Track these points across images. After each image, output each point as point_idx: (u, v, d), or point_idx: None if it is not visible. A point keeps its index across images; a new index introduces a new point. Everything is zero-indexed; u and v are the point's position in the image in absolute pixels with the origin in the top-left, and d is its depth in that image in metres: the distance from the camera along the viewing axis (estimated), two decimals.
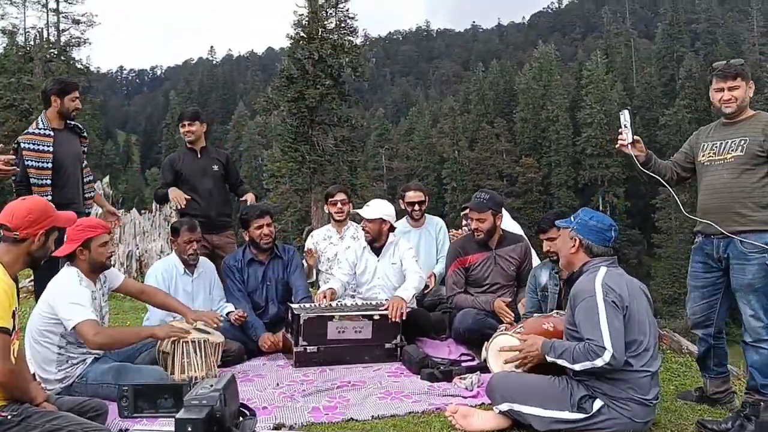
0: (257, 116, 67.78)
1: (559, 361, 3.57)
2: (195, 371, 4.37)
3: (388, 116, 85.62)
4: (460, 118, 69.54)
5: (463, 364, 4.95)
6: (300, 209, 39.75)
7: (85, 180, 5.78)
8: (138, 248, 11.35)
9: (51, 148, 5.41)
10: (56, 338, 4.22)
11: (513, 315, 5.16)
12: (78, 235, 4.32)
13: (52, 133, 5.45)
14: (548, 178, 64.34)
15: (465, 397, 4.33)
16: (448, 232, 6.42)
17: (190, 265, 5.44)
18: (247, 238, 5.72)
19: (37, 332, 4.24)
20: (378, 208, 5.60)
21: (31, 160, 5.34)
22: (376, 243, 5.68)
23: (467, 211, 5.79)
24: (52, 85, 5.59)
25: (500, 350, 3.93)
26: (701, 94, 66.79)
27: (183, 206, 6.00)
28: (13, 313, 3.33)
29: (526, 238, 5.79)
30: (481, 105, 74.84)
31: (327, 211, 6.50)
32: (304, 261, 6.29)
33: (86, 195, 5.81)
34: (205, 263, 5.61)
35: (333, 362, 5.03)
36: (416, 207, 6.47)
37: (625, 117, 4.38)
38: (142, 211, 12.12)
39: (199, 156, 6.31)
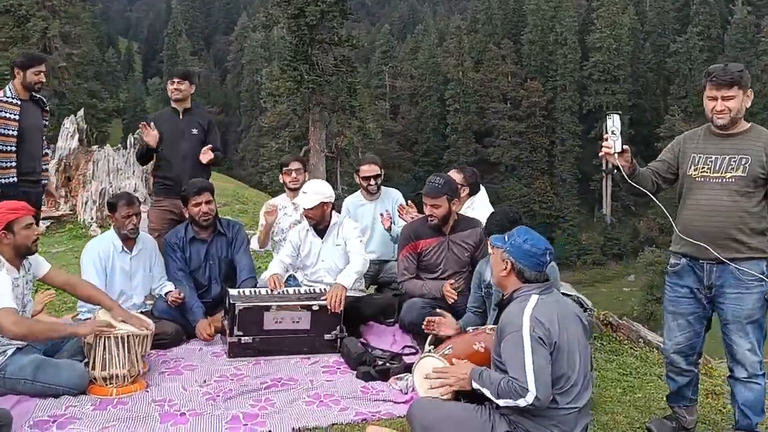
0: (257, 31, 66.41)
1: (484, 391, 3.39)
2: (116, 368, 4.21)
3: (393, 33, 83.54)
4: (467, 38, 67.81)
5: (405, 358, 4.80)
6: (299, 127, 39.32)
7: (43, 152, 5.94)
8: (111, 186, 11.10)
9: (17, 117, 5.52)
10: None
11: (457, 297, 4.96)
12: (0, 218, 4.12)
13: (19, 103, 5.56)
14: (552, 103, 63.29)
15: (397, 402, 4.20)
16: (402, 210, 6.04)
17: (129, 241, 5.23)
18: (187, 216, 5.48)
19: None
20: (315, 194, 5.29)
21: None
22: (320, 225, 5.44)
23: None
24: (17, 58, 5.73)
25: (426, 376, 3.73)
26: (715, 21, 65.15)
27: (154, 139, 5.85)
28: None
29: (483, 222, 5.53)
30: (488, 25, 72.91)
31: (281, 181, 6.23)
32: (262, 219, 6.08)
33: (44, 167, 5.98)
34: (145, 239, 5.40)
35: (269, 353, 4.87)
36: (371, 181, 6.21)
37: (613, 122, 3.80)
38: (116, 148, 11.82)
39: (180, 117, 6.07)
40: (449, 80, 65.12)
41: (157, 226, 5.83)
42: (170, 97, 6.08)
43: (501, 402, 3.30)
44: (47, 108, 5.92)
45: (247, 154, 63.14)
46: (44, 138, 5.96)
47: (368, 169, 6.19)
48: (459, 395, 3.61)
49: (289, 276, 5.62)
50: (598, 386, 4.72)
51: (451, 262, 5.28)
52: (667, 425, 4.11)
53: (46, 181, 6.05)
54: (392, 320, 5.51)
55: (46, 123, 5.96)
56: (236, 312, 4.78)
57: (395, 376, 4.53)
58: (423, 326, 4.39)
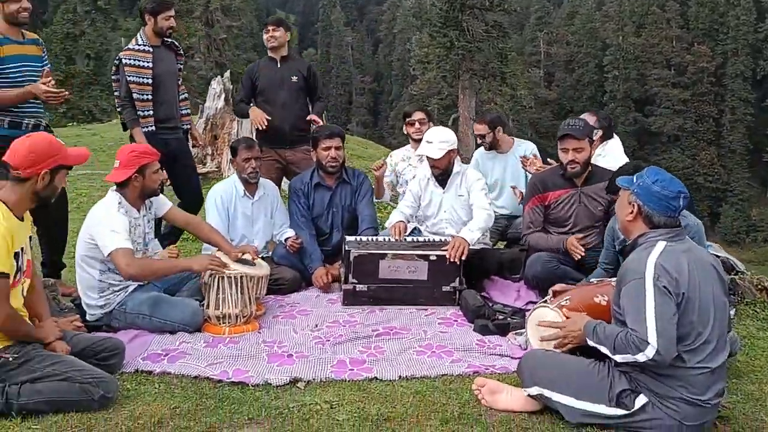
0: None
1: (600, 347, 3.07)
2: (229, 308, 4.22)
3: None
4: (628, 1, 64.35)
5: (527, 314, 4.50)
6: (448, 95, 39.01)
7: (180, 97, 5.86)
8: None
9: (150, 64, 5.48)
10: (98, 264, 4.22)
11: (584, 252, 4.61)
12: (133, 162, 4.25)
13: (151, 50, 5.51)
14: (722, 68, 58.82)
15: (514, 358, 3.92)
16: (525, 161, 5.64)
17: (250, 185, 5.25)
18: (314, 159, 5.42)
19: (81, 258, 4.27)
20: (441, 142, 5.04)
21: (133, 76, 5.43)
22: (442, 174, 5.20)
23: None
24: (147, 4, 5.64)
25: (539, 325, 3.45)
26: None
27: (264, 128, 5.83)
28: (17, 254, 3.25)
29: None
30: None
31: (405, 132, 6.03)
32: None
33: (182, 111, 5.89)
34: (267, 185, 5.40)
35: (384, 302, 4.73)
36: (479, 140, 5.97)
37: None
38: None
39: (278, 65, 6.02)
40: (608, 46, 62.19)
41: (266, 177, 5.80)
42: (267, 46, 6.03)
43: (618, 357, 2.98)
44: (181, 52, 5.88)
45: (397, 123, 63.47)
46: (179, 82, 5.89)
47: (476, 128, 5.98)
48: (576, 348, 3.32)
49: (414, 228, 5.45)
50: (746, 354, 4.23)
51: (582, 216, 4.90)
52: None
53: (188, 126, 5.97)
54: (518, 276, 5.20)
55: (181, 67, 5.90)
56: (351, 259, 4.67)
57: (514, 331, 4.26)
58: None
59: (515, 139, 6.08)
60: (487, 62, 34.36)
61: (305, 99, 6.10)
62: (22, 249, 3.32)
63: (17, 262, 3.25)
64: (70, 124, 23.98)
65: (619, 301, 3.05)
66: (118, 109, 5.63)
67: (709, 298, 2.98)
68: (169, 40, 5.71)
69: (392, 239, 4.98)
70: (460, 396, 3.45)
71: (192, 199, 5.65)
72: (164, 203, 4.57)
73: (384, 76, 75.16)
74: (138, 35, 5.60)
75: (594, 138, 5.21)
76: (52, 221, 5.02)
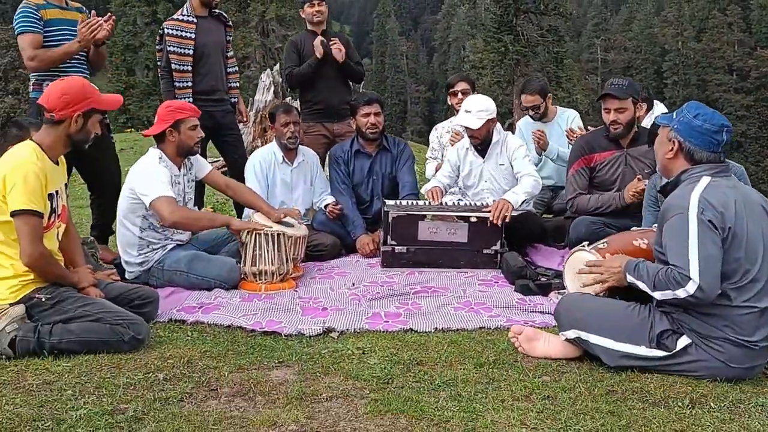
0: (464, 5, 66.13)
1: (639, 285, 2.92)
2: (265, 264, 4.21)
3: (606, 3, 79.79)
4: (688, 6, 62.99)
5: (564, 260, 4.36)
6: (503, 102, 38.73)
7: (228, 70, 5.75)
8: None
9: (193, 35, 5.39)
10: (138, 220, 4.26)
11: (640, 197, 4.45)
12: (169, 116, 4.28)
13: (195, 20, 5.42)
14: None
15: None
16: (571, 135, 5.47)
17: (289, 151, 5.22)
18: (354, 127, 5.38)
19: (122, 215, 4.30)
20: (479, 112, 4.93)
21: (173, 46, 5.36)
22: (482, 143, 5.09)
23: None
24: None
25: (578, 271, 3.31)
26: None
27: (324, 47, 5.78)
28: (52, 196, 3.28)
29: None
30: None
31: (449, 103, 5.94)
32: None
33: (231, 84, 5.79)
34: (306, 152, 5.37)
35: (424, 264, 4.65)
36: (531, 112, 5.84)
37: None
38: None
39: None
40: (667, 51, 61.00)
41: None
42: (311, 21, 5.97)
43: (658, 295, 2.84)
44: (230, 23, 5.77)
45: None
46: (228, 54, 5.76)
47: (526, 99, 5.83)
48: (614, 295, 3.18)
49: (458, 201, 5.35)
50: None
51: (628, 179, 4.73)
52: None
53: (235, 99, 5.82)
54: (563, 243, 5.06)
55: (230, 39, 5.77)
56: (390, 220, 4.61)
57: (556, 291, 4.13)
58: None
59: (558, 107, 5.95)
60: (542, 67, 34.09)
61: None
62: (57, 192, 3.34)
63: (52, 204, 3.28)
64: (129, 130, 24.60)
65: (661, 240, 2.91)
66: (160, 79, 5.61)
67: (757, 235, 2.82)
68: (217, 11, 5.63)
69: (431, 203, 4.90)
70: (497, 345, 3.35)
71: (234, 172, 5.62)
72: (204, 165, 4.58)
73: (439, 85, 74.96)
74: (184, 6, 5.50)
75: (640, 112, 5.08)
76: (105, 189, 5.06)
